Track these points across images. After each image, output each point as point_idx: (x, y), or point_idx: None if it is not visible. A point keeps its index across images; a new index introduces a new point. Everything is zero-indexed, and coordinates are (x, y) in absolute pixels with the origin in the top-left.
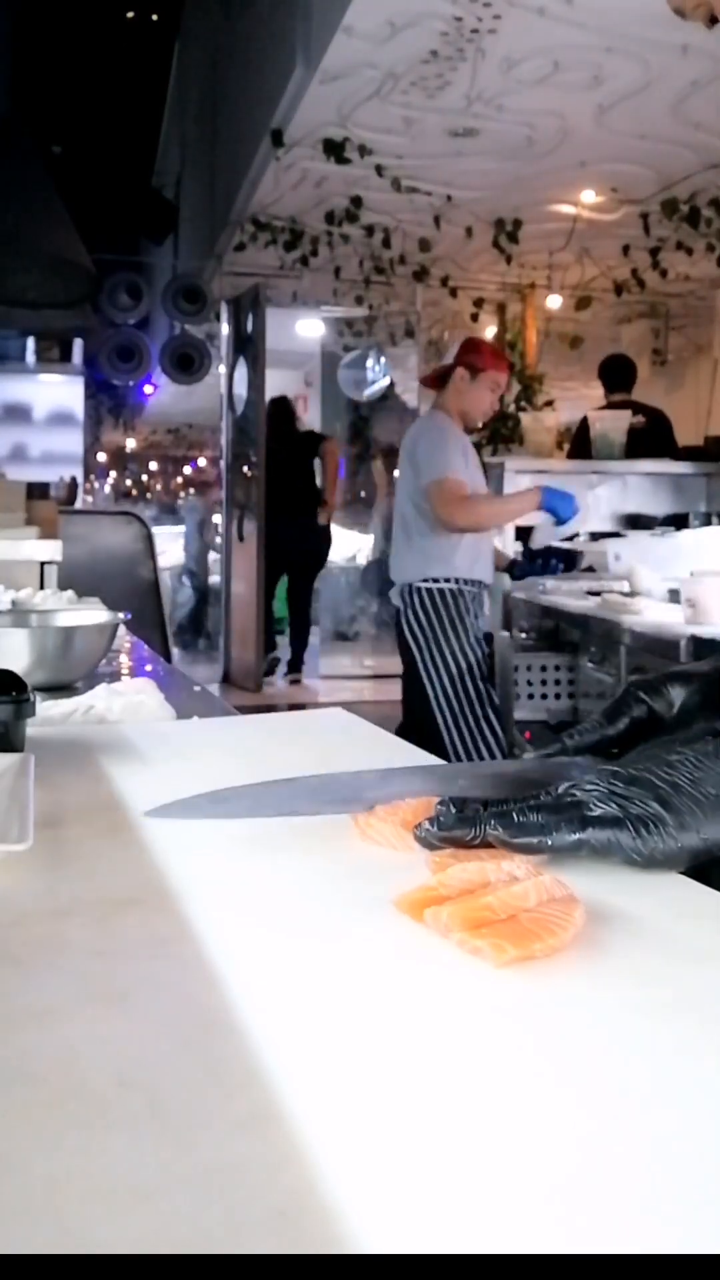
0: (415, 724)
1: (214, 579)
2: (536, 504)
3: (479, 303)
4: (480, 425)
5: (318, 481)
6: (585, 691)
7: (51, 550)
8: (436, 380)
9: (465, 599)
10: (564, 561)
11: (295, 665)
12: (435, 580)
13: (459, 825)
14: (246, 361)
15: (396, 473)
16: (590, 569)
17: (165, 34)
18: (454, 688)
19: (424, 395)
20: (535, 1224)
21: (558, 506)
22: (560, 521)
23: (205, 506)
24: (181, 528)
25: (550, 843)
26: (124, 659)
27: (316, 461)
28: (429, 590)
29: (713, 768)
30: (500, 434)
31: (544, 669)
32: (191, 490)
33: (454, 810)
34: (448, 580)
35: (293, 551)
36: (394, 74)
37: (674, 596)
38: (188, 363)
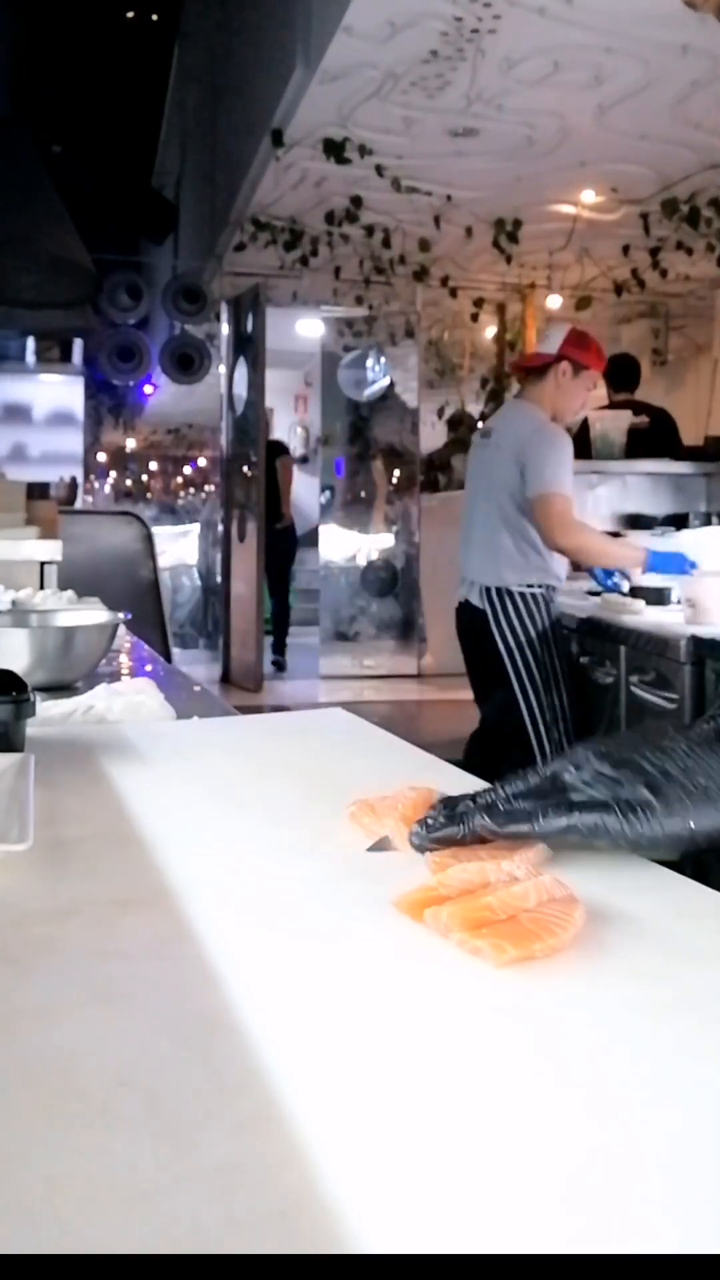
0: (499, 729)
1: (211, 579)
2: (637, 565)
3: (479, 303)
4: (567, 425)
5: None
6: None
7: (51, 550)
8: (532, 369)
9: (553, 603)
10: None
11: (279, 648)
12: (533, 585)
13: (448, 825)
14: (246, 361)
15: (470, 468)
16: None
17: (165, 34)
18: (547, 696)
19: (424, 396)
20: (535, 1224)
21: (663, 568)
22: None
23: (204, 507)
24: (182, 527)
25: (538, 829)
26: (124, 659)
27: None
28: (521, 594)
29: (705, 758)
30: None
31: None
32: (192, 490)
33: (443, 811)
34: (541, 586)
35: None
36: (394, 74)
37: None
38: (188, 363)
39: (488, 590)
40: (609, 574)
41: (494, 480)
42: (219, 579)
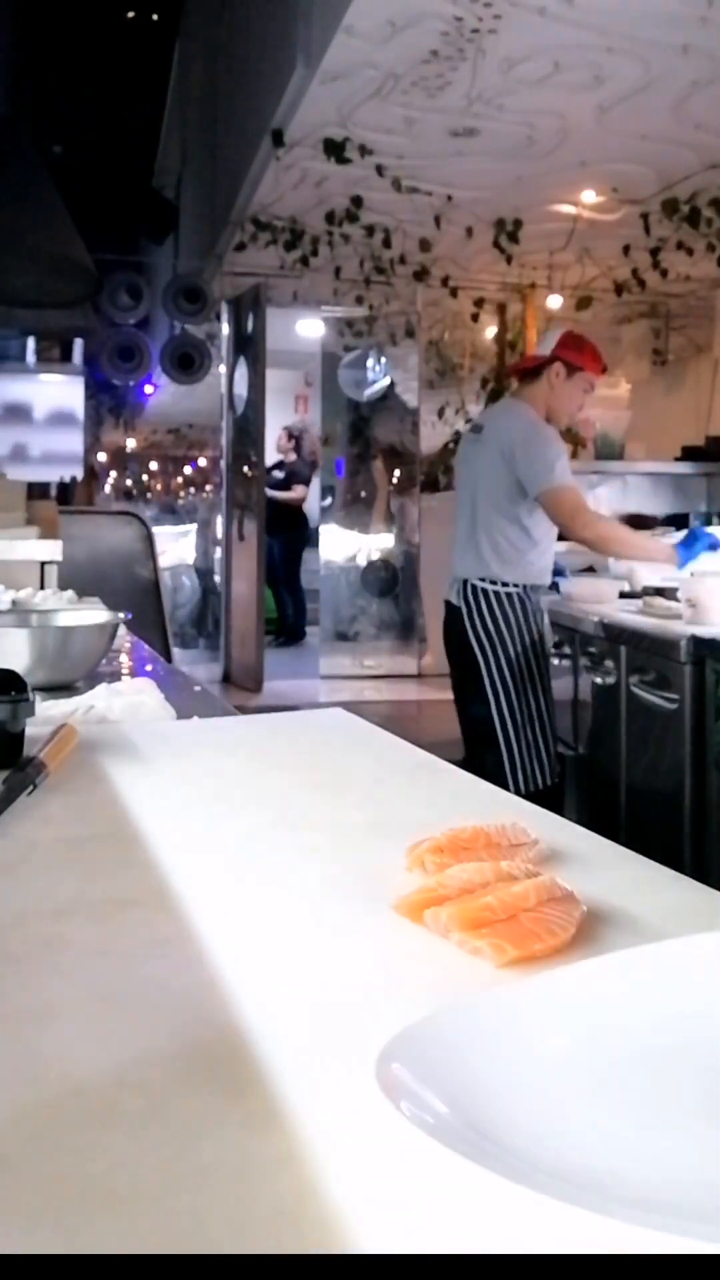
0: (474, 731)
1: (212, 579)
2: (668, 560)
3: (479, 303)
4: (563, 428)
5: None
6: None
7: (51, 550)
8: (527, 370)
9: (531, 602)
10: None
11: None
12: (506, 584)
13: None
14: (247, 361)
15: (458, 463)
16: (590, 569)
17: (165, 34)
18: (520, 698)
19: (424, 396)
20: (536, 1223)
21: (694, 555)
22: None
23: (205, 507)
24: (182, 527)
25: None
26: (124, 659)
27: None
28: (495, 593)
29: None
30: None
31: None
32: (193, 490)
33: None
34: (519, 585)
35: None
36: (394, 74)
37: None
38: (188, 363)
39: (464, 587)
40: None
41: (478, 477)
42: (215, 578)
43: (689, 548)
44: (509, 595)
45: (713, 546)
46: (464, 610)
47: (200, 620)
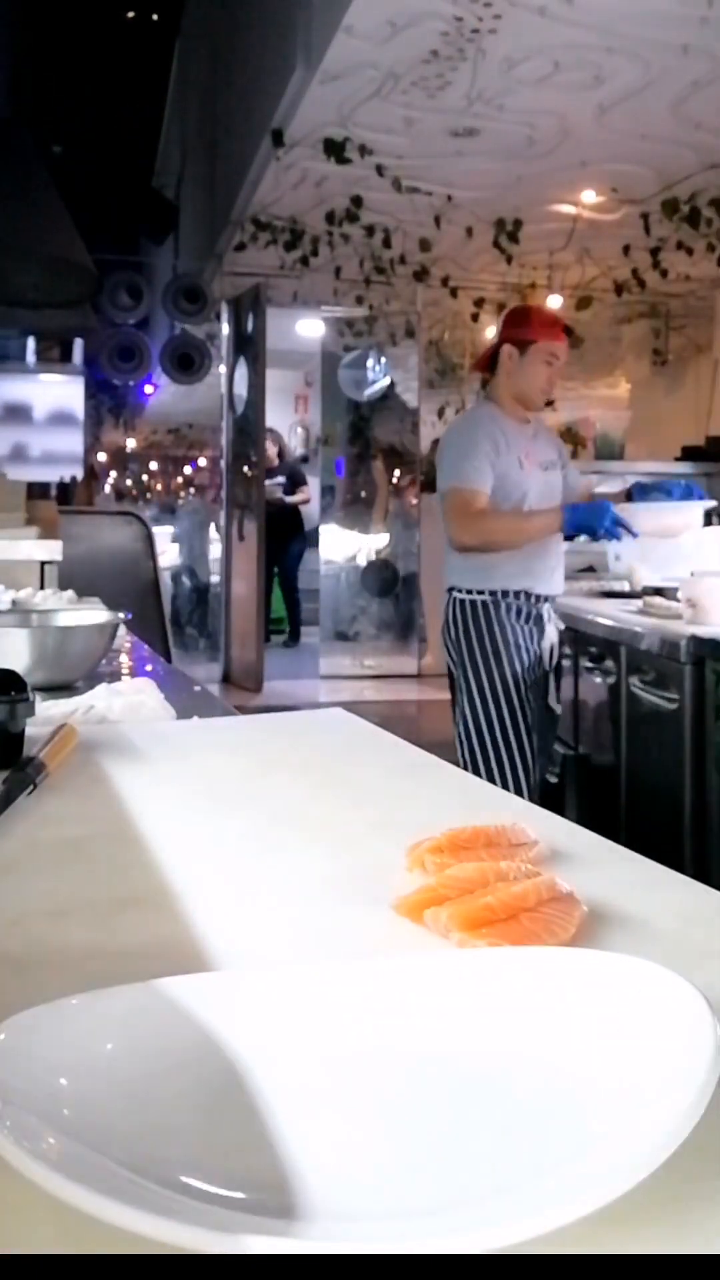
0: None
1: (211, 579)
2: (557, 527)
3: (479, 303)
4: (544, 404)
5: None
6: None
7: (51, 550)
8: (485, 364)
9: (505, 612)
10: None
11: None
12: (470, 591)
13: None
14: (247, 361)
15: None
16: (590, 569)
17: (165, 34)
18: (484, 711)
19: (424, 396)
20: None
21: (587, 523)
22: (603, 537)
23: (205, 507)
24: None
25: None
26: (124, 659)
27: None
28: (460, 600)
29: None
30: None
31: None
32: (193, 490)
33: None
34: (482, 592)
35: None
36: (394, 74)
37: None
38: (188, 363)
39: (446, 594)
40: (601, 525)
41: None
42: (209, 577)
43: (583, 515)
44: (473, 603)
45: (604, 527)
46: (441, 619)
47: (201, 620)
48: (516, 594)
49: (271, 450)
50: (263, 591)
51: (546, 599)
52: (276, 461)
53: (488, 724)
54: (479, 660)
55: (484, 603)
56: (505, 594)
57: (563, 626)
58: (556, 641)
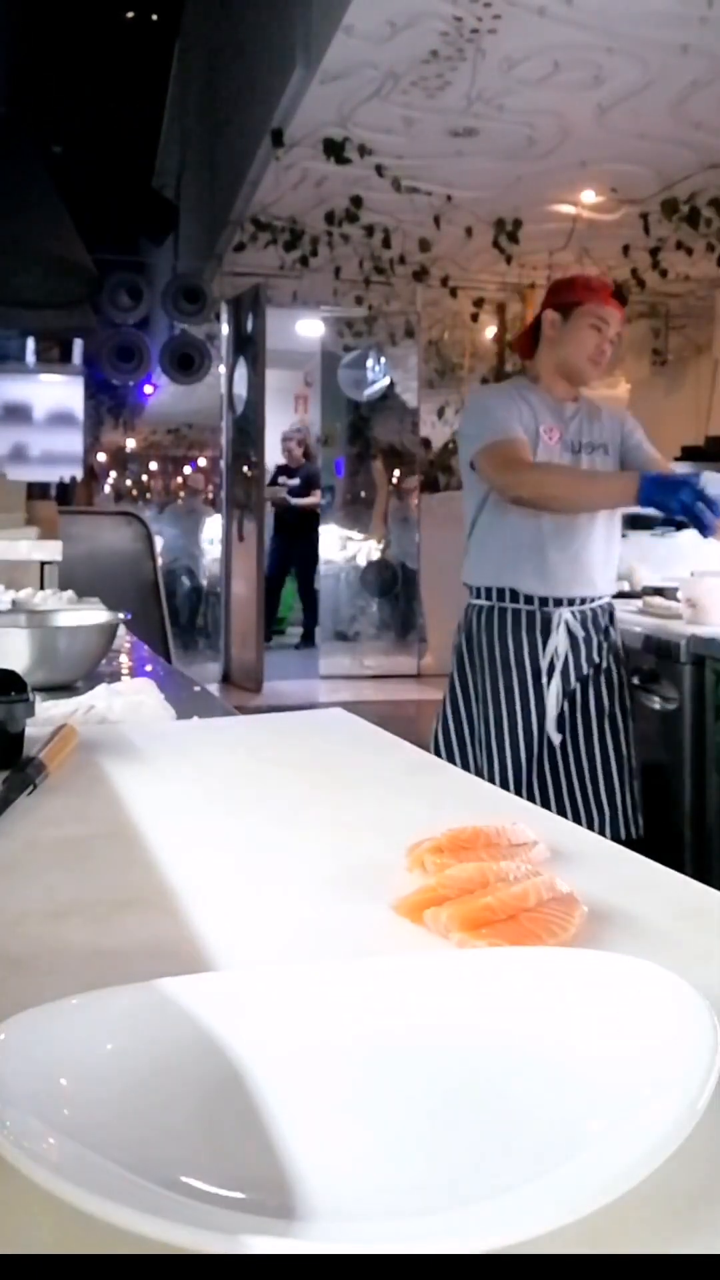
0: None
1: (211, 579)
2: (631, 496)
3: (479, 303)
4: (594, 377)
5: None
6: None
7: (51, 550)
8: (526, 343)
9: (508, 620)
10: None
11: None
12: (475, 590)
13: None
14: (246, 361)
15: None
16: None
17: (165, 34)
18: (452, 706)
19: (424, 396)
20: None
21: (663, 500)
22: (677, 524)
23: (204, 507)
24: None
25: None
26: (124, 659)
27: None
28: (469, 605)
29: None
30: None
31: None
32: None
33: None
34: (485, 590)
35: None
36: (394, 74)
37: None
38: (188, 363)
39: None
40: (677, 502)
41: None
42: (208, 577)
43: (664, 490)
44: (478, 609)
45: (692, 507)
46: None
47: (200, 620)
48: (524, 597)
49: (297, 451)
50: (262, 591)
51: (566, 602)
52: (302, 461)
53: (457, 714)
54: (475, 679)
55: (491, 608)
56: (523, 598)
57: (582, 634)
58: (565, 652)
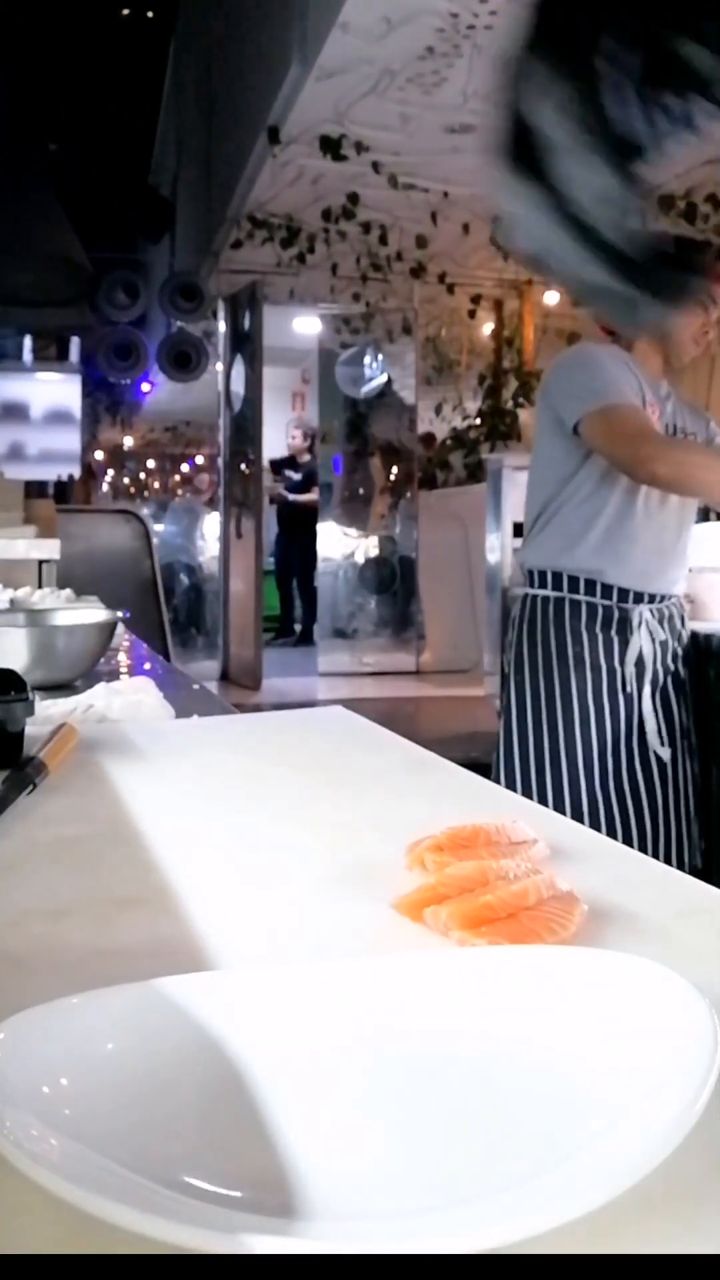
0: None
1: (210, 576)
2: None
3: (476, 299)
4: (689, 357)
5: None
6: None
7: (49, 549)
8: None
9: (583, 616)
10: None
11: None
12: (537, 575)
13: None
14: (244, 359)
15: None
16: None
17: (161, 31)
18: (520, 723)
19: (421, 393)
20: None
21: None
22: None
23: (202, 505)
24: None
25: None
26: (123, 657)
27: None
28: (526, 594)
29: None
30: (498, 430)
31: None
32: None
33: None
34: (548, 584)
35: None
36: (390, 70)
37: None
38: (185, 360)
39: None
40: None
41: (534, 451)
42: (207, 575)
43: None
44: (541, 600)
45: None
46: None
47: (199, 618)
48: (602, 588)
49: (303, 444)
50: (261, 589)
51: (647, 598)
52: (307, 456)
53: (522, 756)
54: (530, 679)
55: (559, 599)
56: (601, 589)
57: (664, 636)
58: (653, 654)
